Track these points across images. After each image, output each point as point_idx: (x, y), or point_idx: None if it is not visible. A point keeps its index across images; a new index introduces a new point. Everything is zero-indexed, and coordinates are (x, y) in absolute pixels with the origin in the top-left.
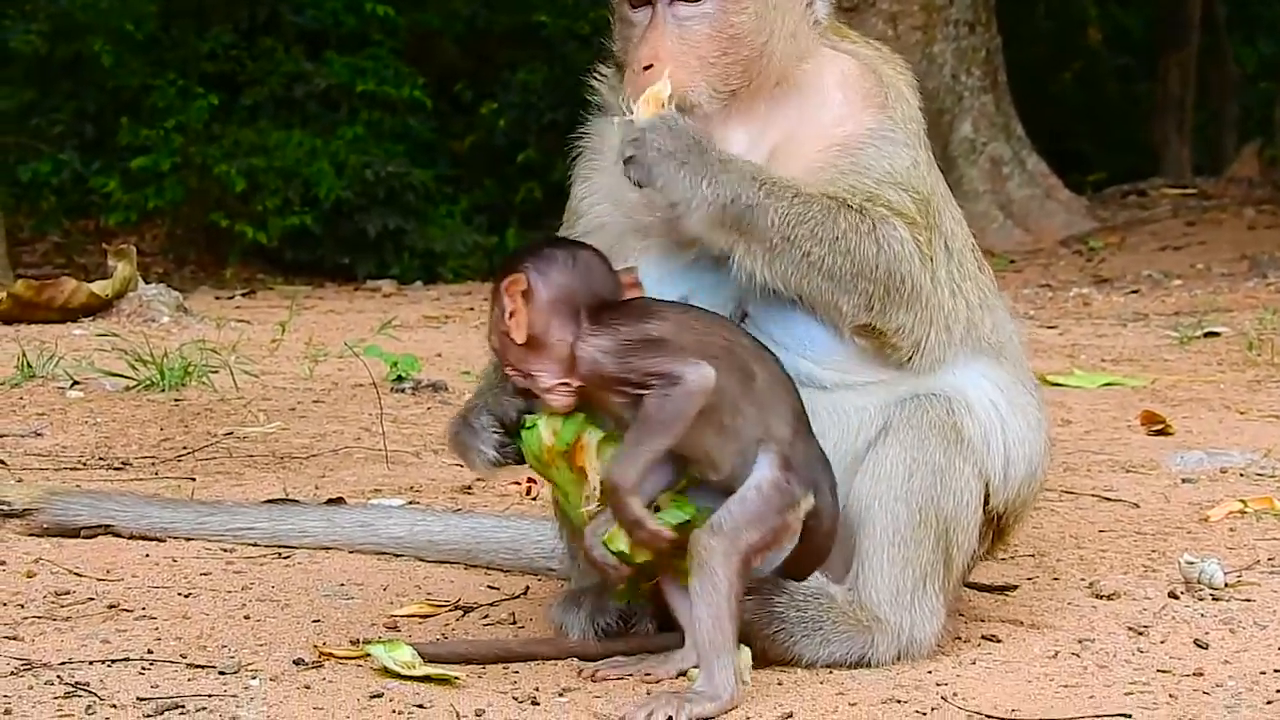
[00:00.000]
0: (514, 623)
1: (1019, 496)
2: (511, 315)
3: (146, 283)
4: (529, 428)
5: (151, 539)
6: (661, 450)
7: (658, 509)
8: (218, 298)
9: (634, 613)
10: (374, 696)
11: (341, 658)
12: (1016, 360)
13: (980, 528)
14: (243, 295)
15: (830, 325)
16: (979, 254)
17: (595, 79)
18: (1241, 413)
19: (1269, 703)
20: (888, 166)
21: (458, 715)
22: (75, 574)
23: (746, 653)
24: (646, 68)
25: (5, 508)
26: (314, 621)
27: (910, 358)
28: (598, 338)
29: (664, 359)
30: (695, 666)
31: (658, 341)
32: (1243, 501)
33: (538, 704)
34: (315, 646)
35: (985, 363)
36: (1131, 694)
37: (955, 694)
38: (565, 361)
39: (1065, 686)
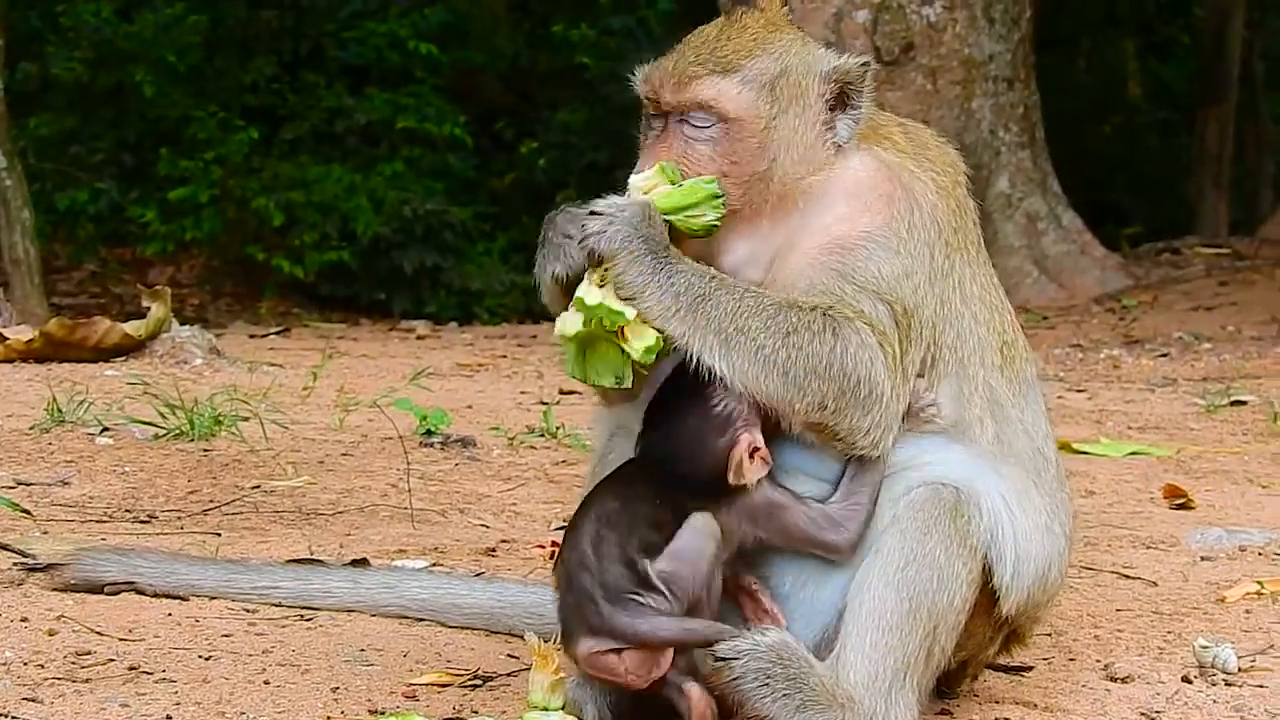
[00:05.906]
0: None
1: (1029, 600)
2: None
3: (180, 318)
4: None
5: (175, 597)
6: None
7: None
8: (252, 336)
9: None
10: None
11: None
12: (1033, 464)
13: (989, 631)
14: (276, 334)
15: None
16: (1011, 349)
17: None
18: (1264, 486)
19: None
20: (874, 272)
21: None
22: (97, 633)
23: None
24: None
25: (31, 561)
26: (333, 689)
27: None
28: None
29: None
30: None
31: None
32: (1259, 583)
33: None
34: (329, 718)
35: (990, 464)
36: None
37: None
38: None
39: None
